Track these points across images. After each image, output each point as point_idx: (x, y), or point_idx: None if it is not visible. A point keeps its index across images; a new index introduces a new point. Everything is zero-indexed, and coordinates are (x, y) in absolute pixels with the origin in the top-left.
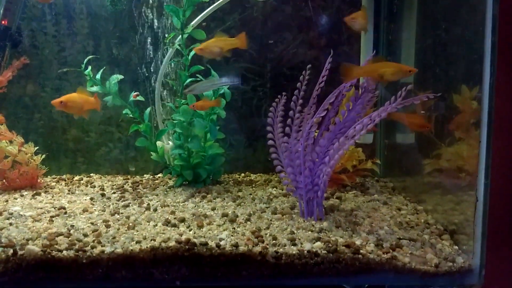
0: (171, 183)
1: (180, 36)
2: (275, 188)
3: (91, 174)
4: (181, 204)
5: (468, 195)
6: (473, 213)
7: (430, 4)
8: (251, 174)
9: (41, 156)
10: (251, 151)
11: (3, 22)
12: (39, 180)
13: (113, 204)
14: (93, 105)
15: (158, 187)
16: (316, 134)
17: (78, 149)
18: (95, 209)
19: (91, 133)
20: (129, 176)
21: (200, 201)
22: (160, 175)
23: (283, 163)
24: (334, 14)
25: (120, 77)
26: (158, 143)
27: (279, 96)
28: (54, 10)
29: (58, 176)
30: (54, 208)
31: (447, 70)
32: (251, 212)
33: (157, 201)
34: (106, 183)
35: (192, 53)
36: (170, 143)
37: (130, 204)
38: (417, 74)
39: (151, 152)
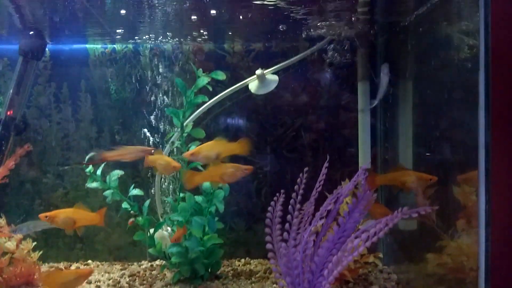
0: (169, 275)
1: (180, 134)
2: (275, 285)
3: (89, 261)
4: None
5: None
6: None
7: (425, 93)
8: (251, 261)
9: (38, 252)
10: (252, 234)
11: (8, 113)
12: (35, 277)
13: None
14: (95, 221)
15: (155, 283)
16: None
17: (77, 235)
18: None
19: None
20: (126, 265)
21: None
22: (157, 262)
23: (281, 270)
24: (331, 99)
25: (121, 173)
26: (157, 234)
27: (277, 195)
28: (59, 98)
29: (55, 266)
30: None
31: (444, 158)
32: None
33: None
34: (102, 276)
35: (191, 149)
36: (169, 229)
37: None
38: (416, 160)
39: (149, 247)
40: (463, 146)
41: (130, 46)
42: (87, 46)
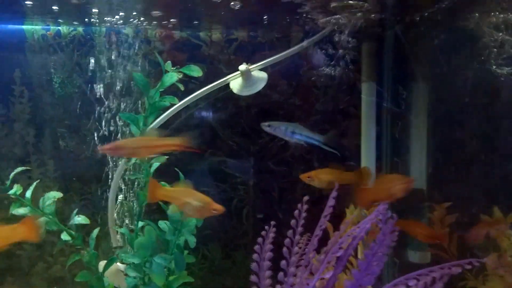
0: None
1: None
2: None
3: None
4: None
5: None
6: None
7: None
8: None
9: None
10: (229, 263)
11: None
12: None
13: None
14: (22, 236)
15: None
16: None
17: (9, 267)
18: None
19: (25, 245)
20: None
21: None
22: None
23: None
24: (328, 102)
25: (58, 195)
26: (108, 270)
27: (266, 228)
28: None
29: None
30: None
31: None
32: None
33: None
34: None
35: (154, 166)
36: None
37: None
38: (432, 178)
39: None
40: (499, 160)
41: (80, 29)
42: (24, 27)
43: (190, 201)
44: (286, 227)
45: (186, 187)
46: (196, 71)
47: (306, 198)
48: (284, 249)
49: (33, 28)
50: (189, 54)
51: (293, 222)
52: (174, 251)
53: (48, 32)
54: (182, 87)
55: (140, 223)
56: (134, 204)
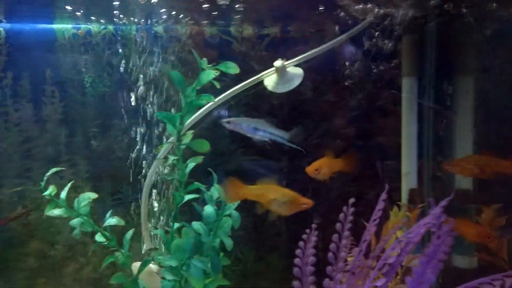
0: None
1: (177, 147)
2: None
3: None
4: None
5: None
6: None
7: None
8: None
9: None
10: (262, 265)
11: None
12: None
13: None
14: None
15: None
16: None
17: (41, 267)
18: None
19: (57, 245)
20: None
21: None
22: None
23: None
24: (366, 99)
25: (93, 196)
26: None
27: (306, 232)
28: (17, 93)
29: None
30: None
31: None
32: None
33: None
34: None
35: (190, 166)
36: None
37: None
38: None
39: None
40: None
41: (110, 27)
42: (54, 26)
43: (278, 197)
44: (320, 229)
45: (270, 183)
46: (233, 68)
47: (352, 200)
48: (330, 254)
49: (64, 27)
50: (220, 51)
51: (338, 226)
52: (210, 253)
53: (79, 31)
54: (218, 85)
55: (176, 225)
56: (164, 205)
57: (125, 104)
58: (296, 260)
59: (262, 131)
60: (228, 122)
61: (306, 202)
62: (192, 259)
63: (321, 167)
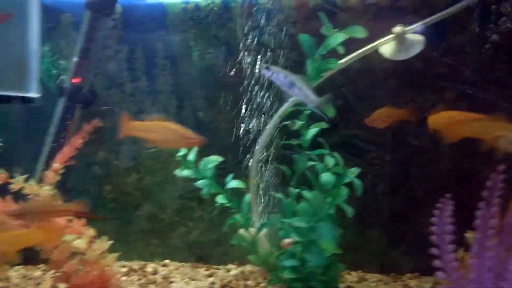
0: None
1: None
2: None
3: (166, 261)
4: None
5: None
6: None
7: None
8: (367, 276)
9: (114, 254)
10: (363, 240)
11: (74, 81)
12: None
13: None
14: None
15: None
16: None
17: (153, 229)
18: None
19: (167, 209)
20: (212, 269)
21: None
22: (248, 267)
23: None
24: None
25: (220, 159)
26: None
27: (440, 201)
28: (132, 65)
29: (128, 265)
30: None
31: None
32: None
33: None
34: (187, 284)
35: (311, 132)
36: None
37: None
38: None
39: (249, 256)
40: None
41: (217, 0)
42: (165, 0)
43: (165, 132)
44: (427, 205)
45: (160, 119)
46: (360, 32)
47: (502, 167)
48: (477, 220)
49: (173, 1)
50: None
51: (486, 193)
52: (327, 221)
53: (188, 5)
54: (342, 50)
55: (295, 190)
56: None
57: (230, 75)
58: (434, 228)
59: (297, 88)
60: (267, 68)
61: (193, 138)
62: (322, 223)
63: (380, 115)
